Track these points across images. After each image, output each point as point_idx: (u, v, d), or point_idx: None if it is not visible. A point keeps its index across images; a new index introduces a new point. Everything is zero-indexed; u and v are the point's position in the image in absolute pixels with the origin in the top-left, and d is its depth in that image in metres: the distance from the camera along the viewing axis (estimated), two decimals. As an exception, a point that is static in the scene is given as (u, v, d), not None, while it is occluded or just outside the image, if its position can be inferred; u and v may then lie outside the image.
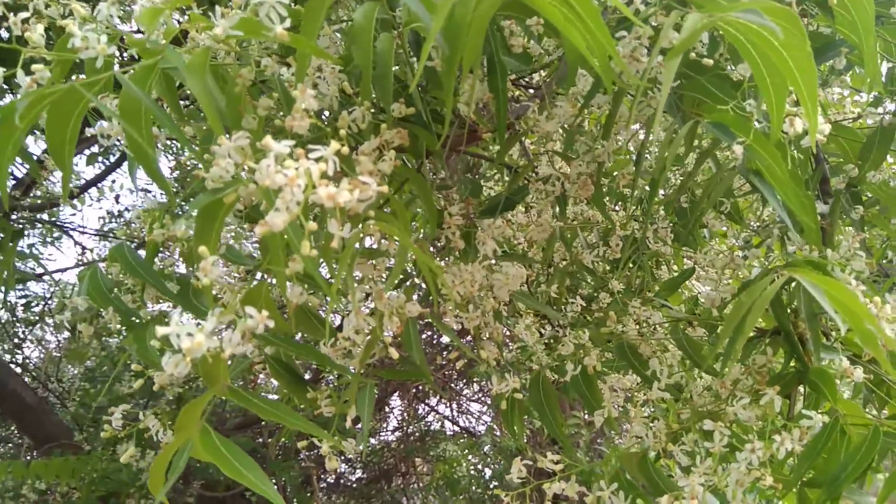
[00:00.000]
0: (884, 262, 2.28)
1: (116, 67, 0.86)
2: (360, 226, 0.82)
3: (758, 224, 1.75)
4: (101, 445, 3.70)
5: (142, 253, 1.14)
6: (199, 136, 1.16)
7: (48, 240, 5.01)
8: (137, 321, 1.12)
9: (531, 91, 1.80)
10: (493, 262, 1.09)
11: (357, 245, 1.00)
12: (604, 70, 0.81)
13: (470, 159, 3.81)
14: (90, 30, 0.79)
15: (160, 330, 0.64)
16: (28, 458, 4.71)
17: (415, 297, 1.07)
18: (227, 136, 0.75)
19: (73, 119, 0.81)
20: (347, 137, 1.00)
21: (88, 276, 1.12)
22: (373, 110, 1.03)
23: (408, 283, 1.10)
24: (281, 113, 0.93)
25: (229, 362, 1.04)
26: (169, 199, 1.00)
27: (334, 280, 0.83)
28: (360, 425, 1.02)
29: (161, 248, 1.18)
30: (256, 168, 0.65)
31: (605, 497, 1.04)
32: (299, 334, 1.25)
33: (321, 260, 0.96)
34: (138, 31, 0.99)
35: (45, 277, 4.77)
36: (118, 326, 1.19)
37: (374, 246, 1.02)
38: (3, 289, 2.70)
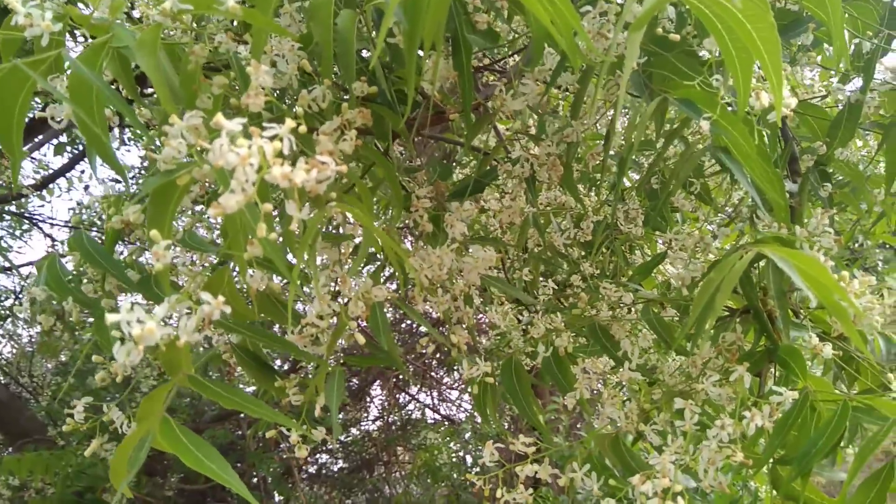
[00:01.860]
0: (854, 244, 2.31)
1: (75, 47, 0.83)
2: (322, 208, 0.80)
3: (731, 208, 1.76)
4: (75, 440, 3.65)
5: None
6: (158, 119, 1.12)
7: (17, 232, 4.91)
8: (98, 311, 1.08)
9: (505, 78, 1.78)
10: (463, 245, 1.07)
11: (322, 229, 0.98)
12: (569, 46, 0.79)
13: (447, 146, 3.79)
14: (34, 5, 0.76)
15: (110, 317, 0.62)
16: (1, 454, 4.64)
17: (385, 281, 1.06)
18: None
19: (20, 101, 0.78)
20: (309, 118, 0.97)
21: (46, 266, 1.08)
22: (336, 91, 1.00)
23: (375, 267, 1.08)
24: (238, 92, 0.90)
25: (192, 350, 1.02)
26: (126, 184, 0.97)
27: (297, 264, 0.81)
28: (341, 414, 1.00)
29: (125, 237, 1.15)
30: (210, 148, 0.63)
31: (578, 479, 1.04)
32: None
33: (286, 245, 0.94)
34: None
35: (15, 271, 4.67)
36: (82, 318, 1.16)
37: (341, 230, 1.00)
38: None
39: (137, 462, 0.80)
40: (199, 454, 0.77)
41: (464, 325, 1.08)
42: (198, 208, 1.10)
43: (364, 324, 1.04)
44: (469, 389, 1.26)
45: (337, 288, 0.90)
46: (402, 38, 0.87)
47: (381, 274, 1.18)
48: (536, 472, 1.02)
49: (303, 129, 0.74)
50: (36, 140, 3.98)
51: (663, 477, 0.88)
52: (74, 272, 1.15)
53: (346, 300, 0.90)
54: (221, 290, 0.93)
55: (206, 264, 1.24)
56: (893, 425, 0.82)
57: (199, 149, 0.70)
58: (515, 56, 1.65)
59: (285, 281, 0.99)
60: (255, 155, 0.61)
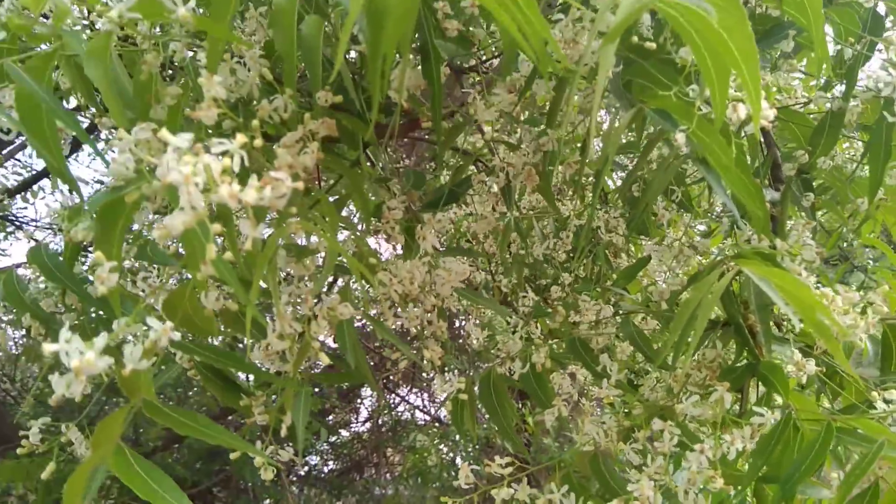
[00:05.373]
0: (843, 244, 2.28)
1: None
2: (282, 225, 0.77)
3: (713, 214, 1.73)
4: (57, 447, 3.60)
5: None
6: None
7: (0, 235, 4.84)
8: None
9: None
10: (436, 257, 1.03)
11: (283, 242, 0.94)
12: (540, 56, 0.76)
13: (435, 147, 3.76)
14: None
15: (47, 347, 0.58)
16: (-16, 460, 4.57)
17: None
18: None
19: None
20: (278, 128, 0.94)
21: (3, 281, 1.04)
22: (302, 99, 0.97)
23: (344, 282, 1.04)
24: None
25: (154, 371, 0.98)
26: (80, 198, 0.93)
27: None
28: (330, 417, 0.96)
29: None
30: (158, 164, 0.59)
31: (556, 500, 1.00)
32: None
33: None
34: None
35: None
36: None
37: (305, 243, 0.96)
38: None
39: (91, 492, 0.77)
40: (154, 485, 0.73)
41: (438, 340, 1.05)
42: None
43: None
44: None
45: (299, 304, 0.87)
46: (365, 46, 0.83)
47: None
48: (514, 494, 0.99)
49: (258, 142, 0.70)
50: (17, 142, 3.91)
51: (644, 501, 0.86)
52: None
53: (307, 319, 0.87)
54: (183, 306, 0.89)
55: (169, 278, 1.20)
56: (878, 452, 0.80)
57: (147, 165, 0.66)
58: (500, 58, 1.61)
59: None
60: (201, 173, 0.57)
